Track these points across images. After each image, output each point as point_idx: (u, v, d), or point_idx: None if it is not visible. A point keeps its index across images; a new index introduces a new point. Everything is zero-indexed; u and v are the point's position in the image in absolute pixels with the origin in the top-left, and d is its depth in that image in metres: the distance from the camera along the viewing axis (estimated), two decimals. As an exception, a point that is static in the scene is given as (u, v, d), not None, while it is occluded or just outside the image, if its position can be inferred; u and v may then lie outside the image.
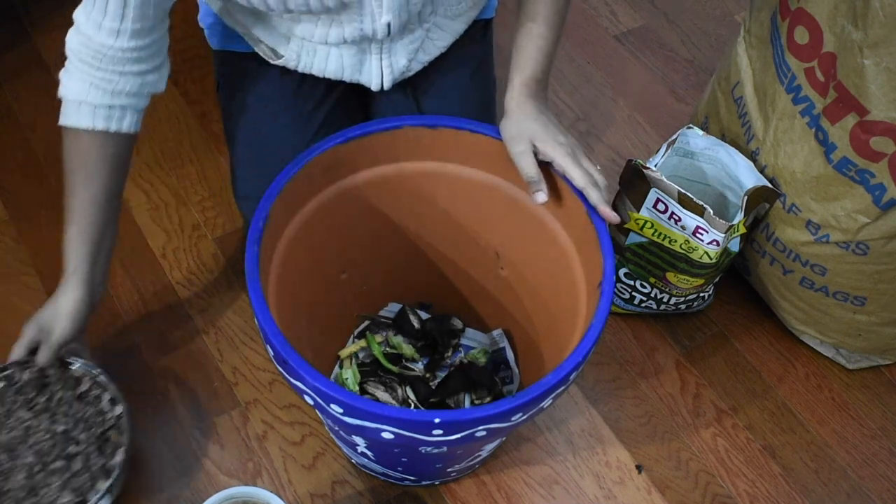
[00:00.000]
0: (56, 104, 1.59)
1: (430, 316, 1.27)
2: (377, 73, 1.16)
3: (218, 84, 1.28)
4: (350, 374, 1.20)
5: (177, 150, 1.51)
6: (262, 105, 1.21)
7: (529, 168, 0.98)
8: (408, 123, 1.05)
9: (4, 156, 1.49)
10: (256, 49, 1.18)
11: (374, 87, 1.18)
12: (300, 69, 1.16)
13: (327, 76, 1.17)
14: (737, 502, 1.22)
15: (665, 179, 1.15)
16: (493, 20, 1.33)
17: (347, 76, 1.17)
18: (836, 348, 1.33)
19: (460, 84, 1.25)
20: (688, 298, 1.30)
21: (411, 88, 1.23)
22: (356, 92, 1.25)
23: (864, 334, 1.28)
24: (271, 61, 1.17)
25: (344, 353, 1.22)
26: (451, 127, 1.05)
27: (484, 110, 1.28)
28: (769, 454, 1.26)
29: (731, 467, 1.24)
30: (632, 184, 1.20)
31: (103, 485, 1.06)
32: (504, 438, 1.21)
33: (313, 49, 1.13)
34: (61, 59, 1.69)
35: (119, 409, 1.10)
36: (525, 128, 1.00)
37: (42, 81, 1.57)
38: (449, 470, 1.14)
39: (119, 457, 1.08)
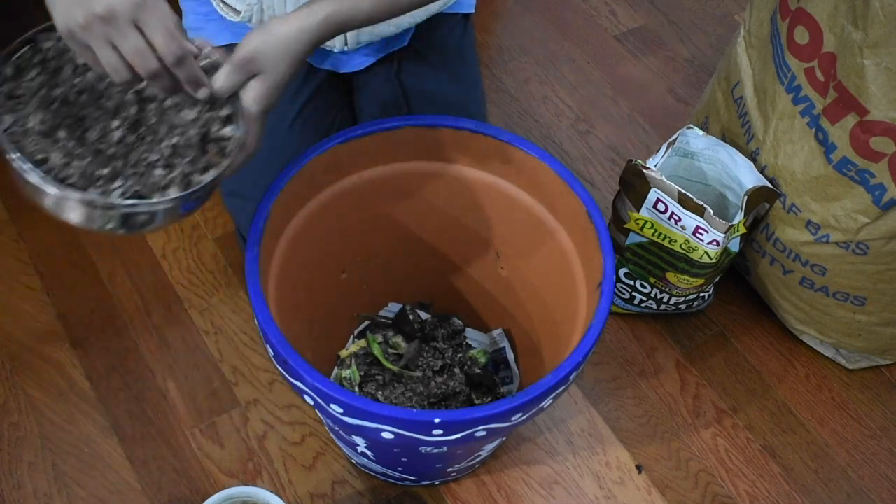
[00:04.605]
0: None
1: (430, 316, 1.27)
2: None
3: None
4: (350, 374, 1.20)
5: (177, 150, 1.51)
6: None
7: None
8: (408, 123, 1.05)
9: (4, 156, 1.49)
10: (221, 11, 1.13)
11: (338, 45, 1.15)
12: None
13: None
14: (737, 502, 1.22)
15: (665, 179, 1.15)
16: (481, 20, 1.31)
17: None
18: (836, 348, 1.34)
19: (445, 69, 1.23)
20: (688, 298, 1.30)
21: (395, 72, 1.21)
22: (336, 83, 1.24)
23: (864, 334, 1.28)
24: (233, 19, 1.14)
25: (344, 353, 1.23)
26: (451, 127, 1.05)
27: (471, 90, 1.26)
28: (769, 454, 1.26)
29: (731, 467, 1.25)
30: (632, 184, 1.20)
31: (172, 192, 0.84)
32: (504, 438, 1.21)
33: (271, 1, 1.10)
34: (61, 59, 1.66)
35: (229, 132, 0.89)
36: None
37: (42, 81, 1.57)
38: (449, 470, 1.14)
39: (208, 176, 0.85)
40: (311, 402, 0.91)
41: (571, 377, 0.91)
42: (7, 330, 1.30)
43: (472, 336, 1.28)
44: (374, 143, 1.05)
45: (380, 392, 1.18)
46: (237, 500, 1.05)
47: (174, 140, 0.86)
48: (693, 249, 1.18)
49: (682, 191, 1.14)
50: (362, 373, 1.20)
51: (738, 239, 1.21)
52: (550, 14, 1.78)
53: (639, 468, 1.24)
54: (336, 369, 1.23)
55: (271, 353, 0.91)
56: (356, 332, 1.26)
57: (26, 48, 0.87)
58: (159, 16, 0.74)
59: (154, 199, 0.82)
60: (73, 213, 0.82)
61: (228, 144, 0.86)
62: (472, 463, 1.15)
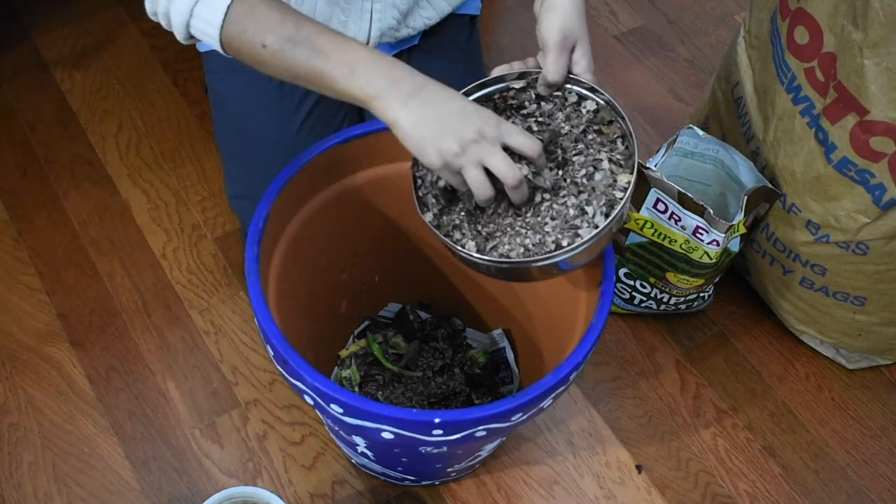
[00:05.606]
0: (55, 104, 1.59)
1: (430, 316, 1.27)
2: (366, 17, 1.14)
3: (206, 86, 1.27)
4: (350, 374, 1.20)
5: (177, 150, 1.51)
6: (245, 102, 1.20)
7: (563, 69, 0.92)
8: (408, 123, 1.05)
9: (4, 156, 1.49)
10: None
11: (361, 39, 1.15)
12: (292, 3, 1.13)
13: (317, 15, 1.13)
14: (737, 502, 1.22)
15: (665, 179, 1.15)
16: (481, 20, 1.32)
17: (336, 17, 1.14)
18: (836, 348, 1.33)
19: (452, 70, 1.23)
20: (688, 298, 1.30)
21: None
22: None
23: (864, 334, 1.28)
24: None
25: (344, 353, 1.23)
26: (451, 127, 1.05)
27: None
28: (769, 454, 1.26)
29: (731, 467, 1.24)
30: (632, 184, 1.20)
31: (625, 178, 0.87)
32: (504, 438, 1.21)
33: None
34: (61, 59, 1.69)
35: (591, 105, 0.92)
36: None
37: (42, 81, 1.57)
38: (449, 470, 1.14)
39: (622, 144, 0.89)
40: (311, 402, 0.91)
41: (571, 377, 0.91)
42: (7, 330, 1.30)
43: (472, 336, 1.28)
44: (375, 143, 1.05)
45: (380, 392, 1.18)
46: (237, 500, 1.05)
47: (578, 147, 0.91)
48: (693, 249, 1.18)
49: (682, 191, 1.14)
50: (362, 373, 1.20)
51: (738, 239, 1.21)
52: (550, 14, 1.78)
53: (639, 468, 1.24)
54: (336, 369, 1.23)
55: (271, 353, 0.91)
56: (356, 332, 1.26)
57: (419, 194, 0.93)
58: (511, 125, 0.84)
59: (629, 180, 0.86)
60: (591, 254, 0.88)
61: (604, 111, 0.91)
62: (472, 463, 1.15)
